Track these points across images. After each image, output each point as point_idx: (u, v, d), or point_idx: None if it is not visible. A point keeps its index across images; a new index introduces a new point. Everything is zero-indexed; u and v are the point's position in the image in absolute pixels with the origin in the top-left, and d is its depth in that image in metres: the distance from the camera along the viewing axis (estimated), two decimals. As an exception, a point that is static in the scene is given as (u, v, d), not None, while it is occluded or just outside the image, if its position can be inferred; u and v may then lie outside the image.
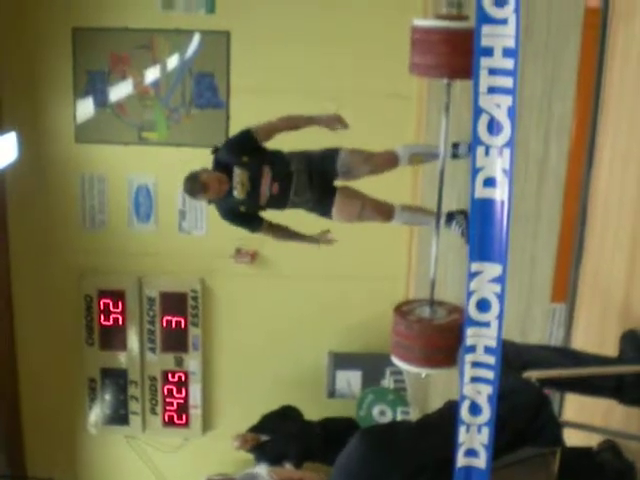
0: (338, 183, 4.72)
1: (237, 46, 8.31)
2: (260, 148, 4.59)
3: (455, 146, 4.54)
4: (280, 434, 6.69)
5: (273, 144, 4.68)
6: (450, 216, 4.56)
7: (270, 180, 4.55)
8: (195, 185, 4.41)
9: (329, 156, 4.63)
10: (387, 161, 4.66)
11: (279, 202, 4.64)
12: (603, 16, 3.55)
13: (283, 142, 4.68)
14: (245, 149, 4.51)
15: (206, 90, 8.42)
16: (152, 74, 8.42)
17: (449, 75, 4.10)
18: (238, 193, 4.46)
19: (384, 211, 4.69)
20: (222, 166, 4.49)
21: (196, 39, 8.32)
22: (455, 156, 4.55)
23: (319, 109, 7.39)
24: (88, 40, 8.28)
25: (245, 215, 4.63)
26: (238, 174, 4.44)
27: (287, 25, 8.20)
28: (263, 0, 8.18)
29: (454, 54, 3.93)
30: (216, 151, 4.57)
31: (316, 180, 4.60)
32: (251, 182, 4.49)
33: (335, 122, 4.56)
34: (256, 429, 6.98)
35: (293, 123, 4.62)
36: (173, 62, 8.39)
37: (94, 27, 8.23)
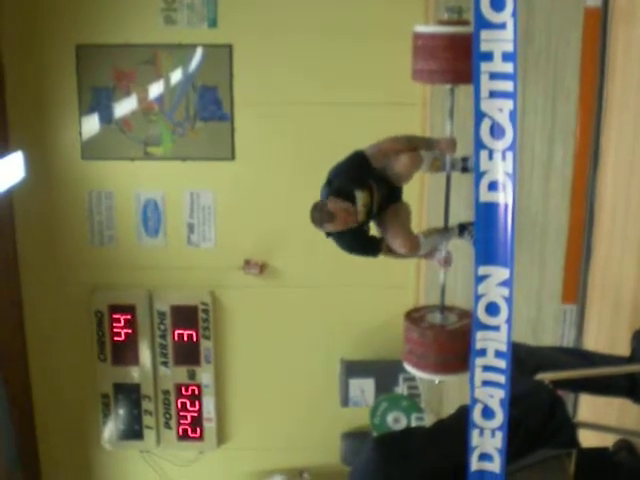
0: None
1: (240, 59, 8.34)
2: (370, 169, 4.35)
3: (465, 160, 4.50)
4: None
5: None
6: (462, 227, 4.53)
7: (377, 195, 4.44)
8: (322, 215, 4.16)
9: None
10: (413, 160, 4.54)
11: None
12: (603, 16, 3.55)
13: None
14: (361, 173, 4.26)
15: (210, 103, 8.45)
16: (156, 89, 8.45)
17: (453, 80, 4.09)
18: (361, 216, 4.21)
19: (411, 240, 4.60)
20: (340, 194, 4.22)
21: (199, 53, 8.36)
22: (465, 170, 4.49)
23: (323, 119, 7.35)
24: (92, 57, 8.33)
25: (365, 239, 4.38)
26: (361, 197, 4.34)
27: (289, 38, 8.23)
28: (265, 13, 8.21)
29: (457, 59, 3.93)
30: (330, 183, 4.27)
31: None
32: (370, 202, 4.26)
33: (451, 147, 4.26)
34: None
35: (412, 146, 4.30)
36: (177, 76, 8.42)
37: (97, 44, 8.28)
